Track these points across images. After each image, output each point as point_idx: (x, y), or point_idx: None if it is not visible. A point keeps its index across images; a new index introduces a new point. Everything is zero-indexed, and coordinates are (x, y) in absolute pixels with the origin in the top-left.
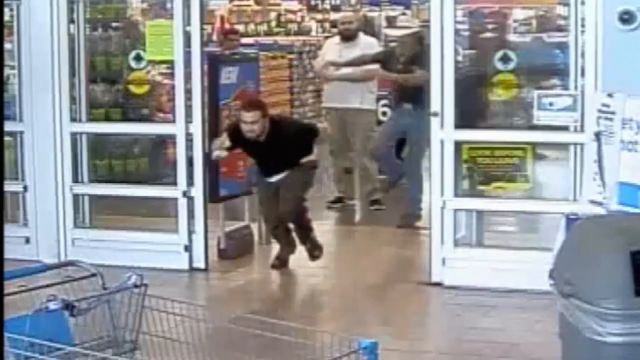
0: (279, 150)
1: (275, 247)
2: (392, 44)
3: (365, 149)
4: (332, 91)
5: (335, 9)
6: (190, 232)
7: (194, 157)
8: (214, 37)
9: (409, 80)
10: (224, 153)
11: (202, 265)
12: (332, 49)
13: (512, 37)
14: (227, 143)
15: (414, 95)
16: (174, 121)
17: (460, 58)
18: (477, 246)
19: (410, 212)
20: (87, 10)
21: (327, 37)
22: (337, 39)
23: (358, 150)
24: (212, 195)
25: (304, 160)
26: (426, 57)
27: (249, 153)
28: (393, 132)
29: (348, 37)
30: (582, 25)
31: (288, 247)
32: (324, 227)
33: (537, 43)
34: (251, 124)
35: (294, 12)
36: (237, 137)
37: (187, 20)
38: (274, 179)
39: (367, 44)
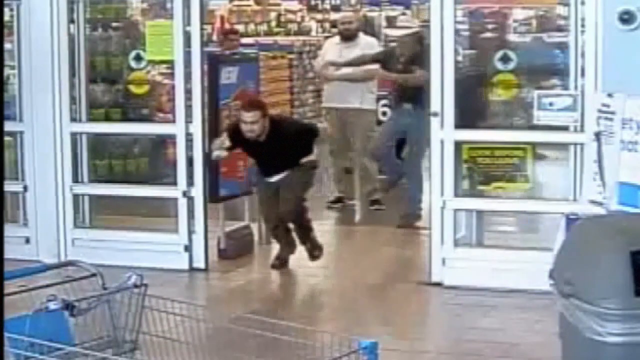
0: (278, 150)
1: (276, 247)
2: (392, 44)
3: (365, 149)
4: (332, 91)
5: (335, 9)
6: (190, 232)
7: (194, 157)
8: (214, 37)
9: (409, 80)
10: (224, 153)
11: (202, 265)
12: (332, 49)
13: (512, 37)
14: (227, 143)
15: (413, 95)
16: (174, 121)
17: (460, 58)
18: (477, 246)
19: (410, 212)
20: (87, 10)
21: (327, 37)
22: (337, 39)
23: (358, 150)
24: (212, 195)
25: (304, 160)
26: (426, 57)
27: (249, 153)
28: (393, 132)
29: (348, 37)
30: (582, 25)
31: (288, 247)
32: (324, 227)
33: (537, 43)
34: (251, 124)
35: (294, 12)
36: (237, 137)
37: (187, 20)
38: (274, 178)
39: (367, 44)
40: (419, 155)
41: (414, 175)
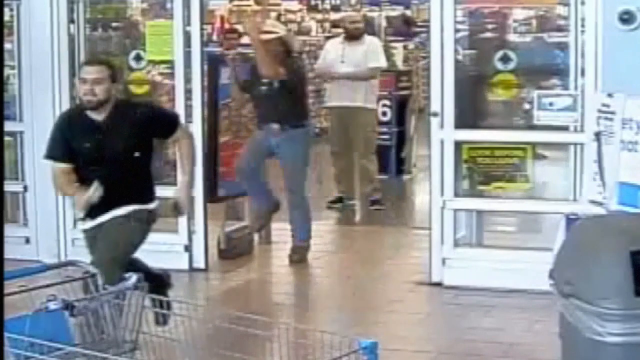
0: (120, 140)
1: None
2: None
3: (366, 148)
4: (337, 89)
5: (335, 9)
6: (190, 232)
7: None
8: (214, 37)
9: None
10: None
11: (202, 265)
12: (335, 49)
13: (512, 37)
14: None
15: (281, 113)
16: None
17: (460, 58)
18: (477, 246)
19: (299, 245)
20: (87, 10)
21: (327, 38)
22: (340, 38)
23: (359, 150)
24: (211, 195)
25: (140, 207)
26: (294, 64)
27: (79, 153)
28: (256, 153)
29: (356, 36)
30: (582, 25)
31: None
32: (324, 227)
33: (537, 43)
34: (92, 82)
35: (294, 12)
36: (69, 125)
37: (187, 20)
38: (97, 220)
39: (371, 44)
40: (296, 178)
41: (296, 201)
